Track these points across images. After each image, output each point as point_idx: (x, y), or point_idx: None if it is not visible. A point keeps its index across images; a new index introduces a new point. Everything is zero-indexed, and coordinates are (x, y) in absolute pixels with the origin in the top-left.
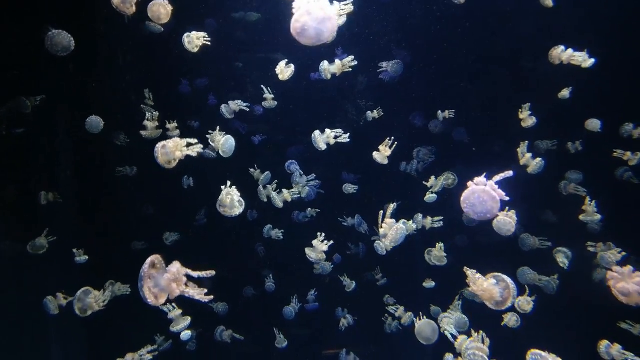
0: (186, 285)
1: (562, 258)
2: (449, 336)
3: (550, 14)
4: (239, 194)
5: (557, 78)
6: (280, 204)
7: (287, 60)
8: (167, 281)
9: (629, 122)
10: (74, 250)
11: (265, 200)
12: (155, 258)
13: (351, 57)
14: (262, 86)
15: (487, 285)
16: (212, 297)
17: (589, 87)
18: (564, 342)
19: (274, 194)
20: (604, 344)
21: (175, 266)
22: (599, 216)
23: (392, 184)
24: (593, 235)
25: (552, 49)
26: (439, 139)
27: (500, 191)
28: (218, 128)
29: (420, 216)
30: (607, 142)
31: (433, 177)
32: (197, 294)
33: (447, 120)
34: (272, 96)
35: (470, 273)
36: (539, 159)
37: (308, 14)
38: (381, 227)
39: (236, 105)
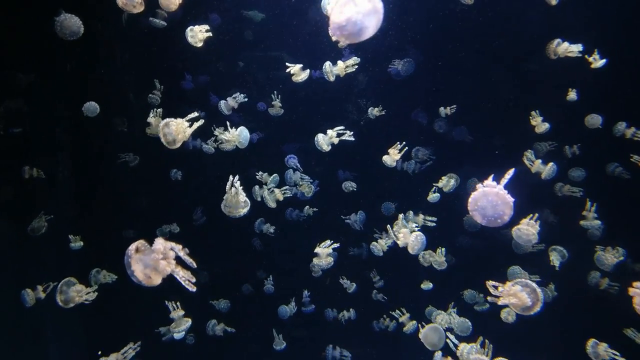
0: (176, 263)
1: (555, 256)
2: (451, 344)
3: (555, 13)
4: (244, 194)
5: (564, 79)
6: (272, 204)
7: (302, 65)
8: (155, 260)
9: (621, 122)
10: (70, 237)
11: (259, 200)
12: (138, 243)
13: (355, 58)
14: (274, 92)
15: (514, 291)
16: (195, 288)
17: (594, 87)
18: (562, 343)
19: (266, 194)
20: (590, 343)
21: (159, 242)
22: (599, 222)
23: (391, 183)
24: (592, 240)
25: (548, 42)
26: (440, 138)
27: (509, 195)
28: (228, 124)
29: (411, 213)
30: (606, 142)
31: (445, 178)
32: (186, 277)
33: (449, 118)
34: (280, 104)
35: (492, 288)
36: (550, 164)
37: (354, 4)
38: (399, 240)
39: (234, 101)
